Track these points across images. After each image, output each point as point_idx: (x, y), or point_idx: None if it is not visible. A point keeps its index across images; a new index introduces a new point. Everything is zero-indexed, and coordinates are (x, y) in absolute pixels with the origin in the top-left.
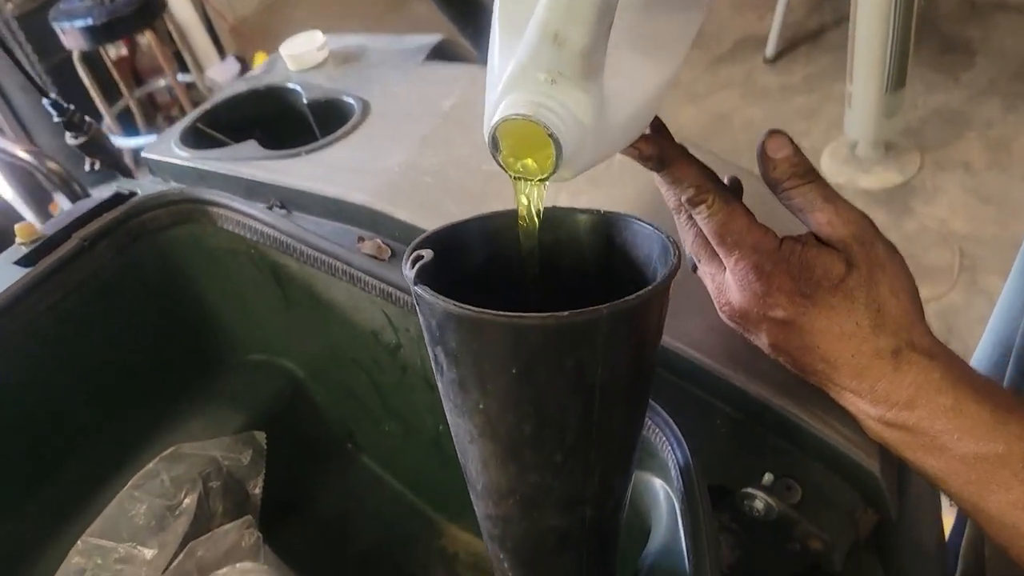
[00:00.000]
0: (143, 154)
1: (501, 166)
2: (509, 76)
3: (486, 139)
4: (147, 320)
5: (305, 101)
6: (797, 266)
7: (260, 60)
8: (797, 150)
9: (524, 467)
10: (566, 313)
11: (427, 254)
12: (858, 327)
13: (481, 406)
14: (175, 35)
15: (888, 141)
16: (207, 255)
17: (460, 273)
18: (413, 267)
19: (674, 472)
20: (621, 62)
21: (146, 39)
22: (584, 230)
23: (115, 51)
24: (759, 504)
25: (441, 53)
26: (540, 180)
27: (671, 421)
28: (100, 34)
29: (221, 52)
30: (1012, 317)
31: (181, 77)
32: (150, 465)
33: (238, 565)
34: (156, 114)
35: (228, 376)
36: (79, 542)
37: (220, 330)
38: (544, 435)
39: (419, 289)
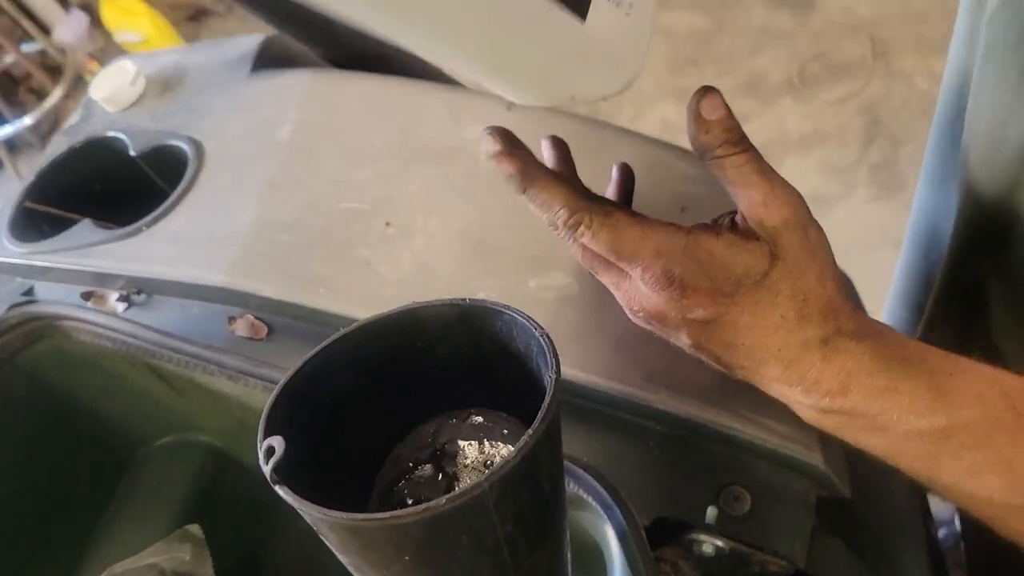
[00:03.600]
0: None
1: None
2: None
3: None
4: (37, 445)
5: (133, 153)
6: (713, 265)
7: (106, 8)
8: (731, 113)
9: None
10: (443, 500)
11: (278, 445)
12: (783, 320)
13: None
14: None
15: None
16: (76, 363)
17: (330, 394)
18: (268, 462)
19: (614, 538)
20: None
21: None
22: (451, 322)
23: None
24: (708, 548)
25: (268, 57)
26: None
27: (599, 488)
28: None
29: (65, 3)
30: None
31: (27, 47)
32: None
33: None
34: (17, 88)
35: (143, 469)
36: None
37: (119, 427)
38: None
39: (281, 491)
